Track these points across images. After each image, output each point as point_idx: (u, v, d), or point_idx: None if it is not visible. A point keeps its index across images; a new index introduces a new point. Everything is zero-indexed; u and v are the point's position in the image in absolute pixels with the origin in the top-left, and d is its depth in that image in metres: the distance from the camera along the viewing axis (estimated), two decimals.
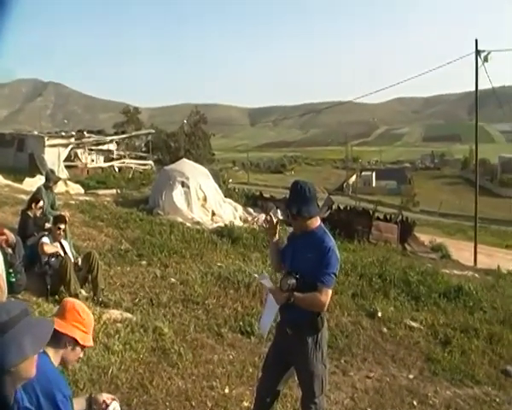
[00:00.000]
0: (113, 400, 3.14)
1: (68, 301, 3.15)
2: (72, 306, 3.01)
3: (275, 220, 4.20)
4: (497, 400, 6.33)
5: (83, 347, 3.01)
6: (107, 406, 3.08)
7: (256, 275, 4.00)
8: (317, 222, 4.02)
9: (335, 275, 3.92)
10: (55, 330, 2.77)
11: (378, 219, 21.05)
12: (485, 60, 23.36)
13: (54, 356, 2.81)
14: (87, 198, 18.03)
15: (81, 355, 3.08)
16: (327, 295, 3.86)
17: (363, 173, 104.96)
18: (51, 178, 10.44)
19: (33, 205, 9.03)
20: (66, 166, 32.53)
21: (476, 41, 23.70)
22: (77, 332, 2.94)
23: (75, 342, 2.94)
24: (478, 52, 23.48)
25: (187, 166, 18.64)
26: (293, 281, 3.86)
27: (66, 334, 2.86)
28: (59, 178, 10.70)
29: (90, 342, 3.07)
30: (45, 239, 7.76)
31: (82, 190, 22.67)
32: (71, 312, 2.97)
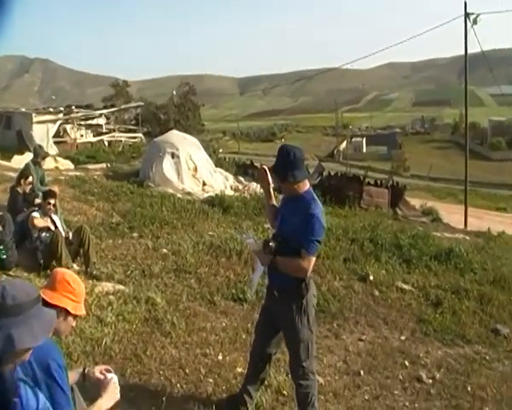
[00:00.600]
0: (108, 371, 3.13)
1: (58, 271, 3.13)
2: (62, 276, 3.00)
3: (267, 171, 4.21)
4: (487, 358, 6.44)
5: (75, 316, 3.02)
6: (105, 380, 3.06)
7: (243, 234, 4.07)
8: (305, 186, 4.01)
9: (319, 242, 3.93)
10: (45, 301, 2.77)
11: (369, 184, 21.10)
12: (474, 22, 23.30)
13: None
14: (77, 173, 17.91)
15: (74, 324, 3.08)
16: (309, 262, 3.88)
17: (353, 140, 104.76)
18: (39, 154, 10.36)
19: (22, 181, 8.99)
20: (56, 142, 32.29)
21: (465, 3, 23.61)
22: (68, 302, 2.94)
23: (66, 312, 2.95)
24: (467, 15, 23.36)
25: (176, 137, 18.50)
26: (273, 244, 3.91)
27: (56, 305, 2.87)
28: (47, 154, 10.64)
29: (82, 311, 3.06)
30: (35, 214, 7.75)
31: (72, 166, 22.51)
32: (61, 282, 2.96)
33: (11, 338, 1.89)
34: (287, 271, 3.93)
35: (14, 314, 1.92)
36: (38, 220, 7.67)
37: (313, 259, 3.92)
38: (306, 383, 4.16)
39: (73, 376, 3.07)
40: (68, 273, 3.11)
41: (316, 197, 4.04)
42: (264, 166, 4.28)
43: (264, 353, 4.36)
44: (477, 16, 23.42)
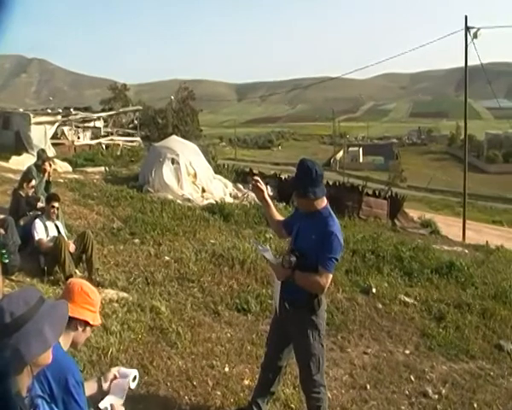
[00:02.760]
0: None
1: (75, 283, 3.09)
2: (80, 288, 2.97)
3: (261, 186, 4.21)
4: (492, 374, 6.42)
5: (92, 326, 3.00)
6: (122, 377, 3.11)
7: (260, 246, 4.02)
8: (322, 203, 4.03)
9: (337, 260, 3.95)
10: None
11: (368, 194, 21.06)
12: (475, 36, 23.34)
13: (64, 340, 2.78)
14: (76, 176, 17.86)
15: (89, 334, 3.07)
16: (327, 279, 3.90)
17: (350, 149, 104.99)
18: (41, 157, 10.29)
19: (25, 184, 8.91)
20: (53, 144, 32.14)
21: (466, 17, 23.66)
22: (88, 314, 2.92)
23: (86, 324, 2.93)
24: (467, 29, 23.42)
25: (177, 143, 18.49)
26: (294, 259, 3.91)
27: (77, 318, 2.84)
28: (48, 158, 10.56)
29: (99, 320, 3.08)
30: (38, 224, 7.61)
31: (70, 168, 22.42)
32: (80, 295, 2.93)
33: (19, 353, 1.86)
34: (304, 286, 3.93)
35: (17, 329, 1.89)
36: (45, 242, 7.54)
37: (331, 276, 3.95)
38: (318, 397, 4.15)
39: (90, 387, 3.06)
40: (85, 284, 3.09)
41: (333, 214, 4.06)
42: (256, 177, 4.32)
43: (276, 365, 4.36)
44: (477, 30, 23.50)
